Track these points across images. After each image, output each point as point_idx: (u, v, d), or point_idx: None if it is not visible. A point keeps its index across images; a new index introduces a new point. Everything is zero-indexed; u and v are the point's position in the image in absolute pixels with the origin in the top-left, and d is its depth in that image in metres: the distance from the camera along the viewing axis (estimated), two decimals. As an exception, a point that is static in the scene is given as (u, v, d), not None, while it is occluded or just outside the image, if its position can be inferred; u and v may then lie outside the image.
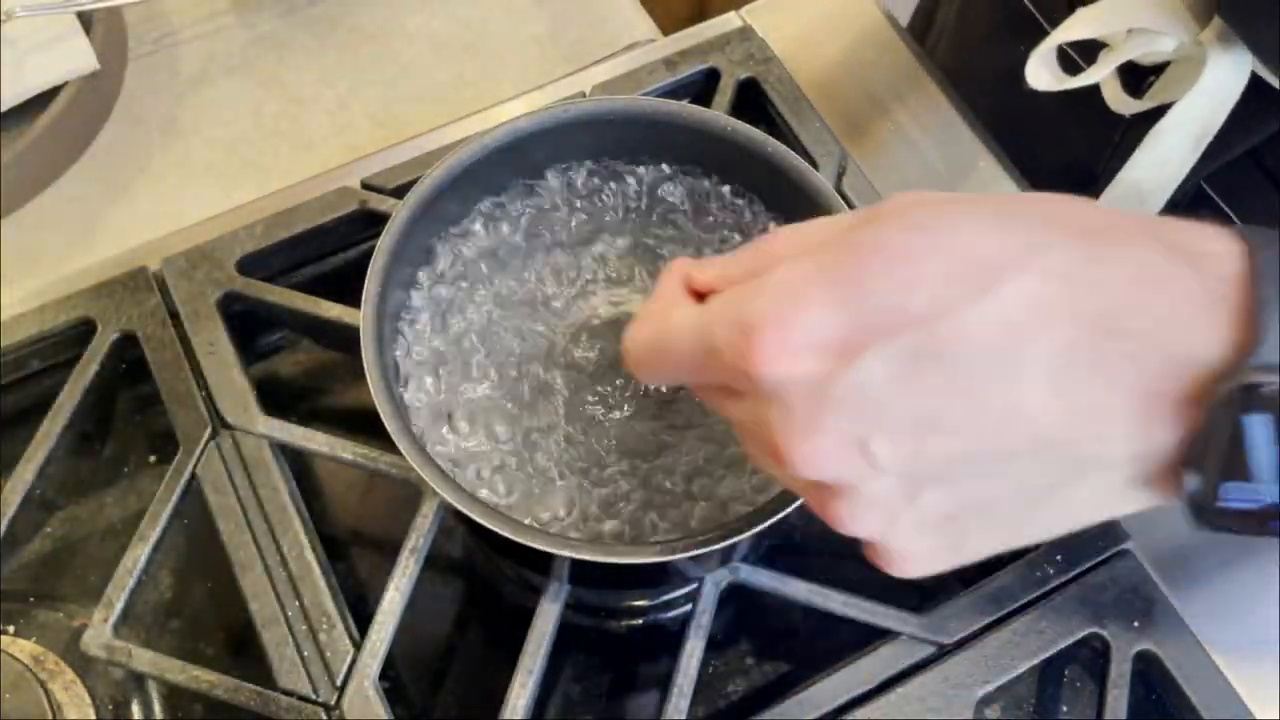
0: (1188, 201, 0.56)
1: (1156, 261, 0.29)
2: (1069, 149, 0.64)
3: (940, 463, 0.29)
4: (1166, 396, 0.28)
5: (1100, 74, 0.52)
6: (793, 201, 0.50)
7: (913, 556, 0.32)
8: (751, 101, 0.62)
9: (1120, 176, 0.54)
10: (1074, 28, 0.50)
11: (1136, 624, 0.50)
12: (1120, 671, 0.49)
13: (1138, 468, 0.29)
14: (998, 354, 0.28)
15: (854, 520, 0.31)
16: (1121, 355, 0.28)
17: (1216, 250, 0.29)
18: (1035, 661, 0.49)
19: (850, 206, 0.48)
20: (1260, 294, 0.27)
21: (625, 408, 0.48)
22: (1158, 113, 0.51)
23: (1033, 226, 0.29)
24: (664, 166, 0.52)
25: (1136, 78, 0.54)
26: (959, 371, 0.28)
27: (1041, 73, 0.53)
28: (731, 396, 0.32)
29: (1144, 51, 0.50)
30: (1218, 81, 0.48)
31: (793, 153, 0.48)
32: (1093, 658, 0.51)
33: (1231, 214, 0.57)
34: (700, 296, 0.34)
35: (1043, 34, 0.52)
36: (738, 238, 0.51)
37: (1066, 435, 0.29)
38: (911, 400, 0.29)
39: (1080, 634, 0.49)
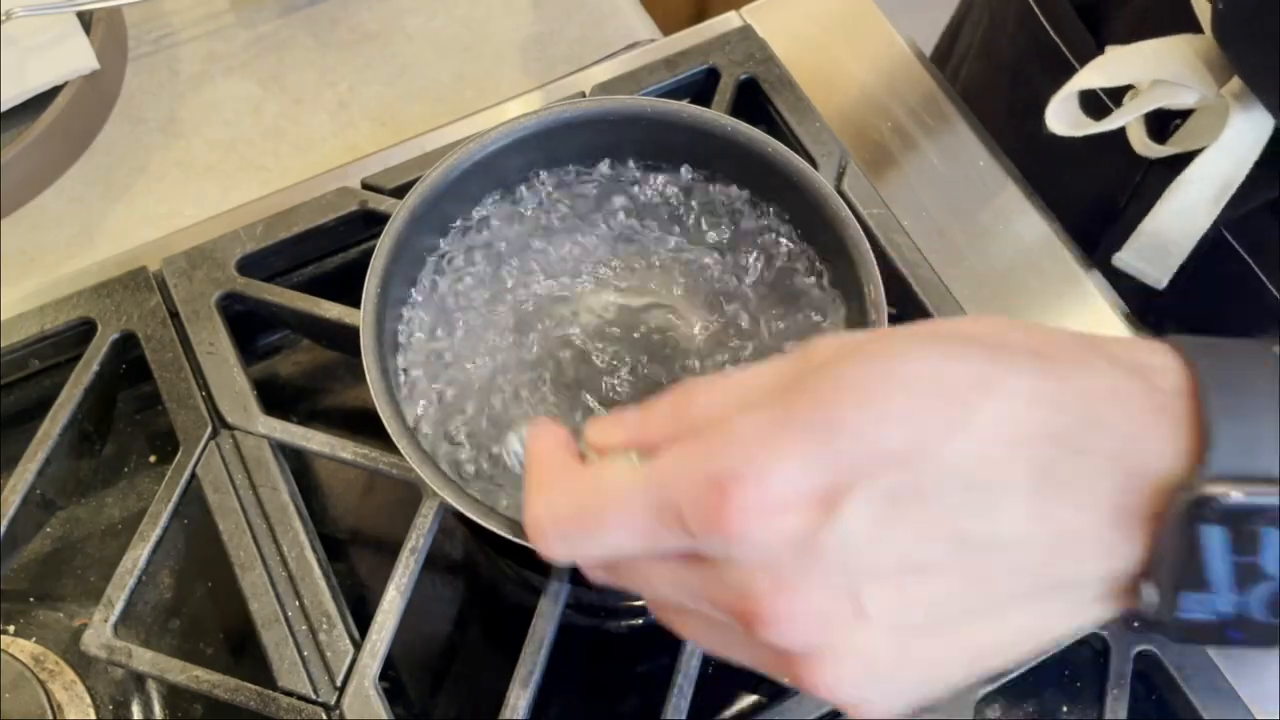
0: (1208, 247, 0.56)
1: (1109, 378, 0.29)
2: (1092, 184, 0.64)
3: (926, 606, 0.29)
4: (1132, 512, 0.28)
5: (1121, 121, 0.52)
6: (792, 201, 0.50)
7: (888, 707, 0.31)
8: (751, 101, 0.62)
9: (1142, 227, 0.54)
10: (1094, 76, 0.50)
11: (1136, 624, 0.50)
12: (1120, 672, 0.49)
13: (1106, 584, 0.29)
14: (977, 486, 0.28)
15: (839, 683, 0.29)
16: (1088, 474, 0.28)
17: (1160, 364, 0.29)
18: (1034, 661, 0.49)
19: (850, 206, 0.48)
20: (1206, 406, 0.28)
21: (626, 405, 0.48)
22: (1182, 156, 0.51)
23: (984, 352, 0.29)
24: (664, 166, 0.52)
25: (1162, 121, 0.54)
26: (941, 508, 0.28)
27: (1061, 117, 0.53)
28: (690, 566, 0.30)
29: (1168, 102, 0.50)
30: (1239, 136, 0.48)
31: (792, 153, 0.48)
32: (1093, 658, 0.51)
33: (1251, 262, 0.57)
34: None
35: (1067, 68, 0.52)
36: (736, 237, 0.51)
37: (1044, 561, 0.28)
38: (897, 544, 0.28)
39: (1080, 634, 0.49)
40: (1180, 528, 0.27)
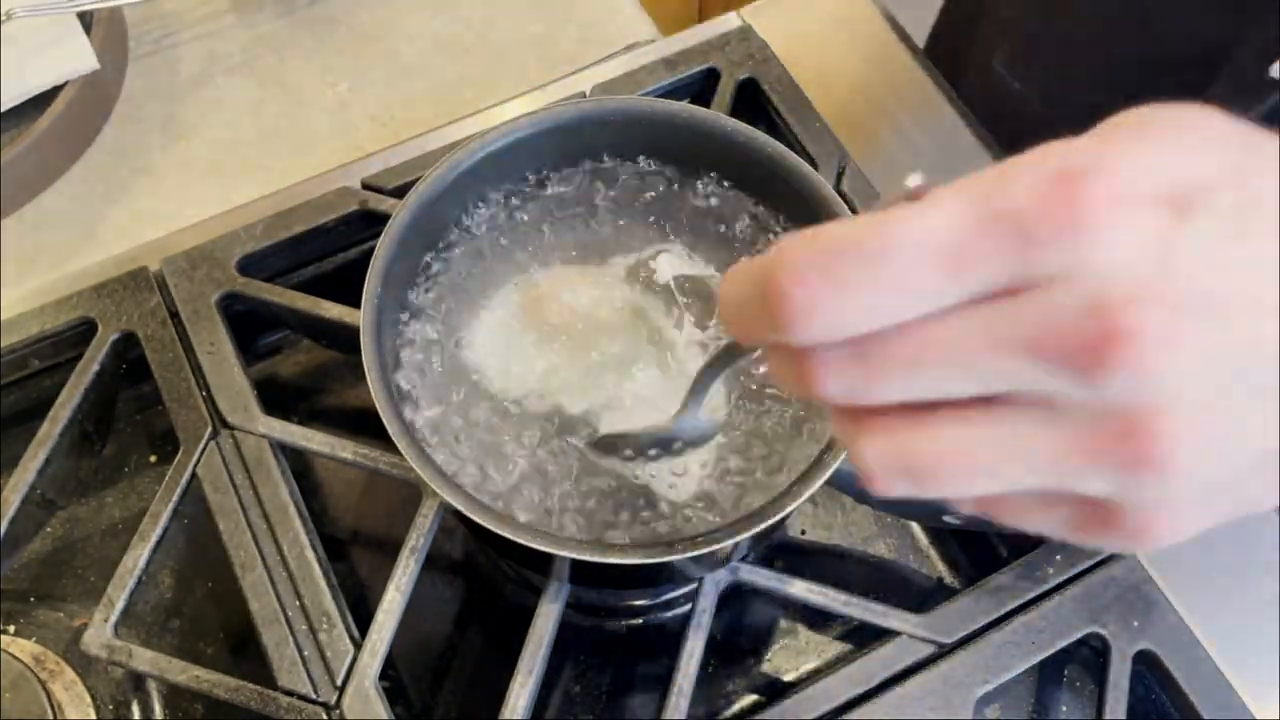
0: None
1: None
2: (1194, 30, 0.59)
3: (1268, 358, 0.24)
4: None
5: None
6: (792, 201, 0.50)
7: (1189, 514, 0.26)
8: (751, 101, 0.62)
9: None
10: None
11: (1136, 623, 0.50)
12: (1120, 671, 0.49)
13: None
14: None
15: (1180, 442, 0.24)
16: None
17: None
18: (1035, 661, 0.49)
19: (850, 206, 0.48)
20: None
21: (626, 403, 0.48)
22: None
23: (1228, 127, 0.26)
24: (664, 166, 0.52)
25: None
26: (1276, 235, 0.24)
27: None
28: (1004, 304, 0.24)
29: None
30: None
31: (792, 153, 0.48)
32: (1092, 657, 0.51)
33: None
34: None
35: None
36: (735, 237, 0.51)
37: None
38: (1246, 269, 0.24)
39: (1080, 633, 0.49)
40: None
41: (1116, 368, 0.23)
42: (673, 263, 0.51)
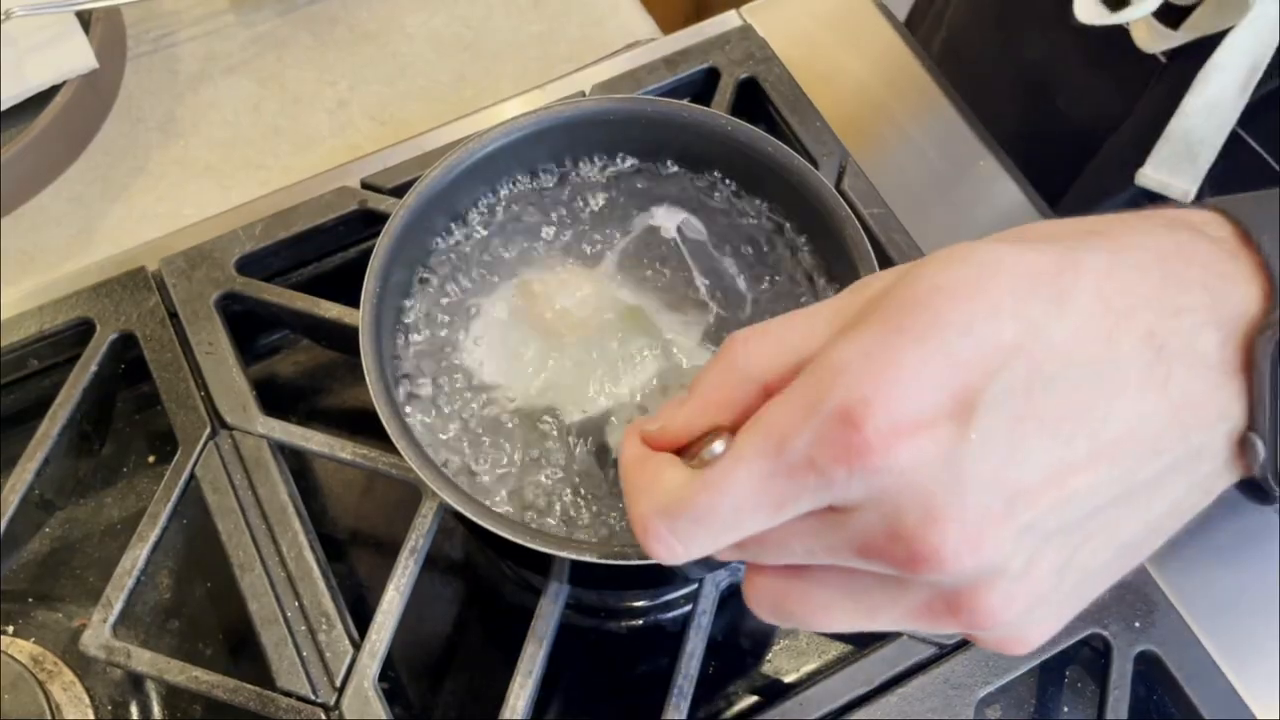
0: (1223, 147, 0.54)
1: (1170, 238, 0.29)
2: (1090, 105, 0.63)
3: (1080, 506, 0.27)
4: (1231, 366, 0.28)
5: (1146, 9, 0.50)
6: (793, 201, 0.50)
7: (1047, 628, 0.29)
8: (751, 101, 0.62)
9: (1168, 133, 0.52)
10: None
11: (1138, 624, 0.50)
12: (1121, 672, 0.49)
13: (1229, 448, 0.29)
14: (1097, 362, 0.27)
15: (1007, 606, 0.27)
16: (1190, 333, 0.28)
17: (1205, 219, 0.29)
18: (1036, 662, 0.49)
19: (850, 206, 0.48)
20: (1261, 247, 0.28)
21: (627, 399, 0.48)
22: (1176, 74, 0.49)
23: (1050, 243, 0.28)
24: (663, 166, 0.52)
25: (1170, 17, 0.52)
26: (1070, 396, 0.27)
27: (1088, 7, 0.52)
28: (826, 522, 0.28)
29: None
30: (1268, 7, 0.46)
31: (793, 152, 0.48)
32: (1094, 658, 0.51)
33: (1268, 156, 0.55)
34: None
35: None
36: (735, 235, 0.51)
37: (1175, 435, 0.28)
38: (1039, 446, 0.26)
39: (1081, 634, 0.49)
40: (1275, 370, 0.27)
41: (928, 575, 0.26)
42: (673, 214, 0.51)
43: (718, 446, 0.29)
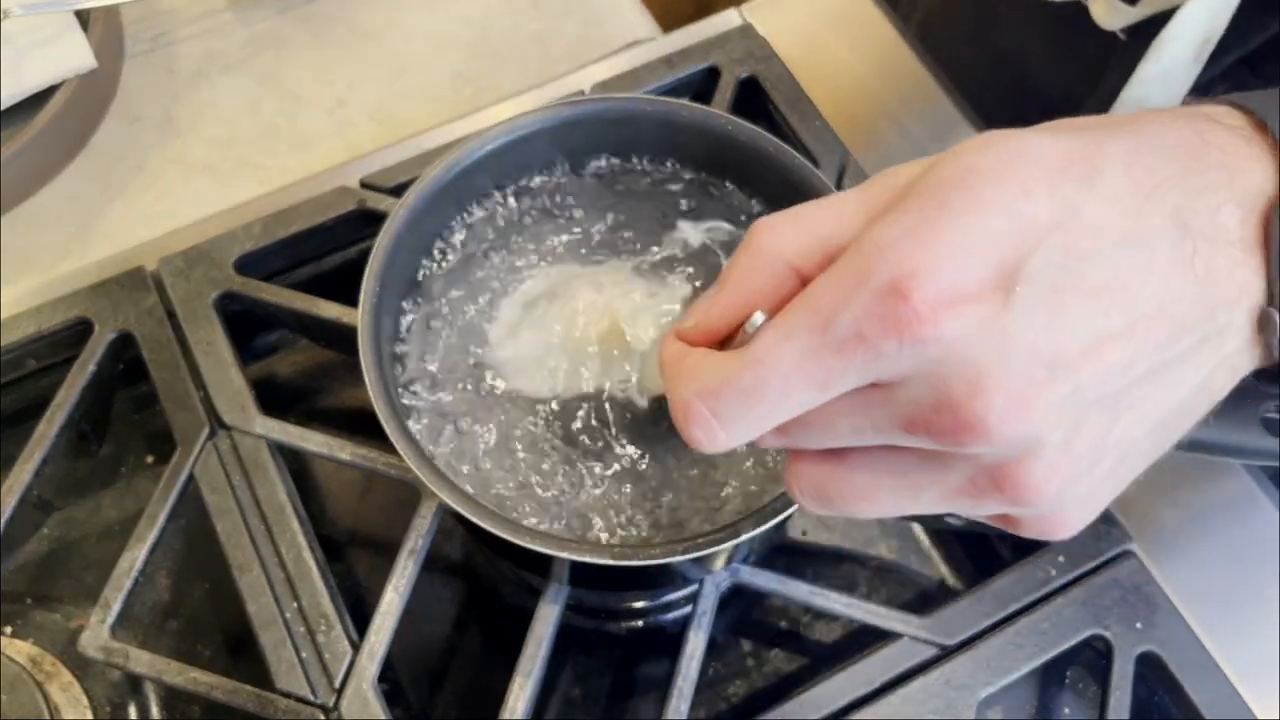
0: None
1: (1190, 125, 0.30)
2: (1056, 82, 0.64)
3: (1118, 376, 0.28)
4: (1252, 242, 0.29)
5: None
6: (792, 200, 0.49)
7: (1087, 510, 0.30)
8: (752, 99, 0.62)
9: (1124, 95, 0.53)
10: None
11: (1139, 625, 0.50)
12: (1122, 673, 0.49)
13: (1252, 325, 0.30)
14: (1129, 239, 0.28)
15: (1049, 480, 0.28)
16: (1213, 210, 0.29)
17: (1217, 110, 0.31)
18: (1037, 663, 0.49)
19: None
20: (1277, 131, 0.29)
21: (627, 404, 0.48)
22: (1135, 51, 0.50)
23: (1074, 130, 0.29)
24: (664, 164, 0.52)
25: None
26: (1104, 268, 0.27)
27: None
28: (871, 398, 0.28)
29: None
30: None
31: (793, 151, 0.48)
32: (1095, 659, 0.51)
33: None
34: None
35: None
36: (734, 235, 0.51)
37: (1203, 310, 0.29)
38: (1078, 317, 0.27)
39: (1082, 635, 0.49)
40: None
41: (974, 445, 0.27)
42: (672, 214, 0.51)
43: (758, 318, 0.29)
